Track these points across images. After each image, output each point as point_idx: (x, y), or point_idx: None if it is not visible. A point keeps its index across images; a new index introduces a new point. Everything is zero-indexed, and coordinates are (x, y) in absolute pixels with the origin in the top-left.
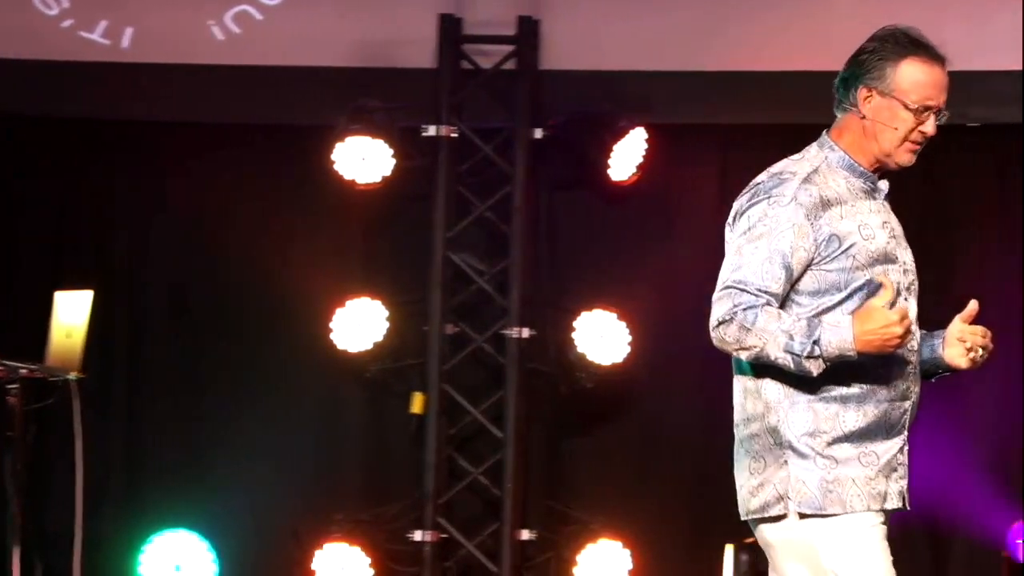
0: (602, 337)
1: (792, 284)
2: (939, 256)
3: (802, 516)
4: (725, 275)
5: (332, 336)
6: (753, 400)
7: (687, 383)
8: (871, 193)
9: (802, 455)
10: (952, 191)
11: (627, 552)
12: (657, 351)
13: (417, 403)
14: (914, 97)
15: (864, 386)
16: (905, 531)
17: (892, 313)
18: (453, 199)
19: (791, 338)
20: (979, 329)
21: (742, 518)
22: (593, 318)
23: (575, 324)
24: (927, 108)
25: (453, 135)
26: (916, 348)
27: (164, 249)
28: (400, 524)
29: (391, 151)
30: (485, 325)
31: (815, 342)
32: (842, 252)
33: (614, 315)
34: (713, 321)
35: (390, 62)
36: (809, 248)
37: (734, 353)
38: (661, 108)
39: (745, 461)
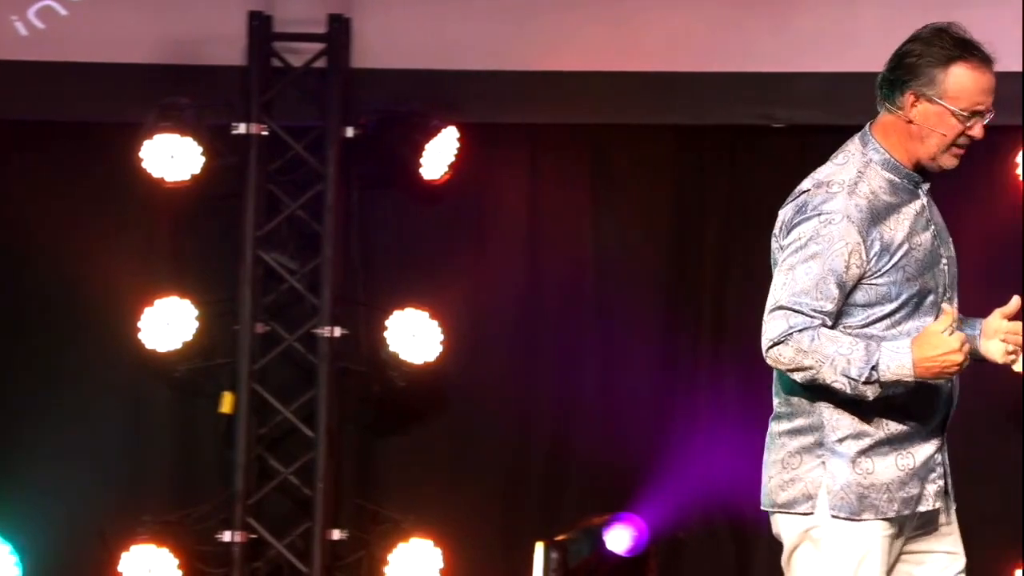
0: (414, 336)
1: (846, 299)
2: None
3: (834, 518)
4: (777, 294)
5: (140, 336)
6: (799, 396)
7: (498, 382)
8: (914, 192)
9: (841, 457)
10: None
11: (438, 551)
12: (469, 350)
13: (227, 403)
14: (964, 104)
15: (909, 390)
16: (709, 527)
17: (953, 340)
18: (264, 197)
19: (848, 363)
20: (1018, 326)
21: (763, 508)
22: (405, 317)
23: (387, 323)
24: (976, 113)
25: (263, 133)
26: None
27: None
28: (209, 525)
29: (200, 149)
30: (296, 324)
31: (873, 367)
32: (892, 265)
33: (426, 314)
34: (766, 342)
35: (199, 59)
36: (862, 265)
37: (788, 374)
38: (472, 107)
39: (780, 454)
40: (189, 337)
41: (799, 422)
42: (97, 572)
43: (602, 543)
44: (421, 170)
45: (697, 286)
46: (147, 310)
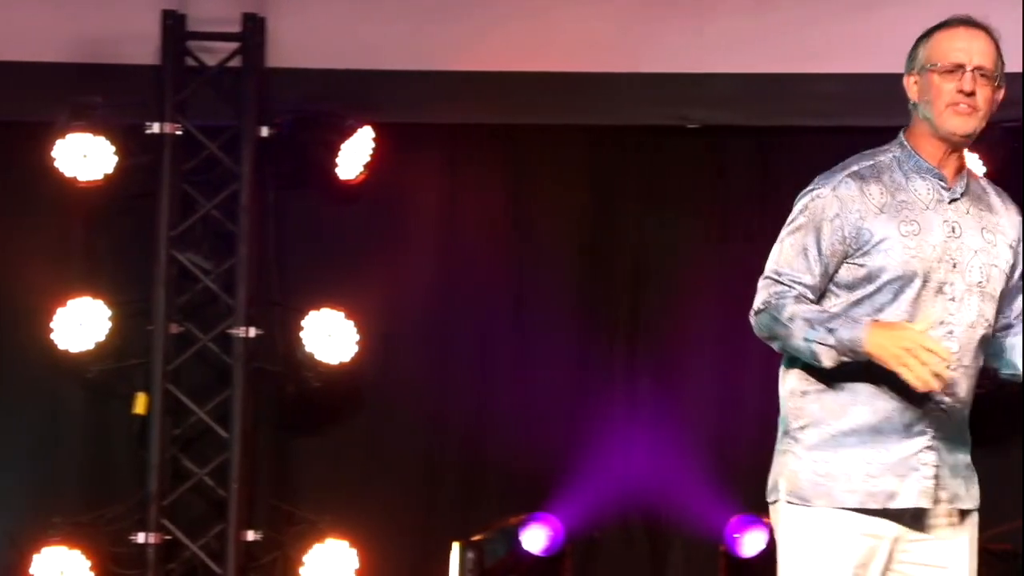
0: (330, 336)
1: (831, 277)
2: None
3: (789, 503)
4: (767, 265)
5: (53, 336)
6: (781, 388)
7: (414, 382)
8: (938, 193)
9: (800, 444)
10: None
11: (354, 551)
12: (385, 350)
13: (140, 403)
14: (942, 61)
15: (877, 382)
16: (625, 527)
17: (916, 334)
18: (178, 197)
19: (811, 327)
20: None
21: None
22: (321, 317)
23: (303, 323)
24: (957, 67)
25: (177, 132)
26: (953, 351)
27: None
28: (123, 526)
29: (113, 148)
30: (211, 324)
31: (830, 331)
32: (874, 247)
33: (342, 314)
34: (751, 312)
35: (112, 58)
36: (841, 241)
37: (768, 343)
38: (388, 107)
39: (776, 445)
40: (102, 338)
41: (782, 413)
42: (8, 575)
43: (518, 543)
44: (337, 170)
45: (613, 286)
46: (60, 310)
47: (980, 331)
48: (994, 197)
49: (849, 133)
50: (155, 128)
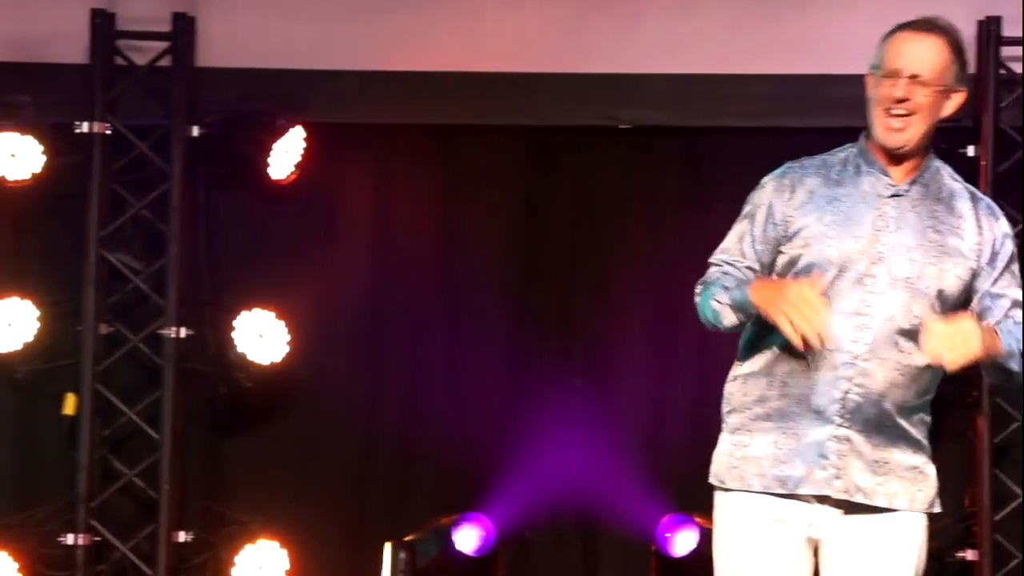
0: (261, 336)
1: (771, 264)
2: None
3: (713, 486)
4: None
5: None
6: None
7: (346, 382)
8: (881, 188)
9: (725, 428)
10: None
11: (285, 552)
12: (316, 350)
13: (70, 404)
14: (882, 64)
15: (791, 365)
16: (557, 527)
17: (804, 292)
18: (108, 197)
19: (715, 288)
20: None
21: None
22: (252, 317)
23: (234, 323)
24: (893, 72)
25: (107, 132)
26: (866, 341)
27: None
28: (51, 527)
29: (42, 148)
30: (141, 325)
31: (726, 289)
32: (796, 235)
33: (273, 314)
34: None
35: (40, 57)
36: (773, 228)
37: (708, 326)
38: (319, 107)
39: None
40: (31, 338)
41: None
42: None
43: (450, 543)
44: (268, 170)
45: (545, 286)
46: None
47: (902, 325)
48: (965, 202)
49: (777, 134)
50: (84, 127)
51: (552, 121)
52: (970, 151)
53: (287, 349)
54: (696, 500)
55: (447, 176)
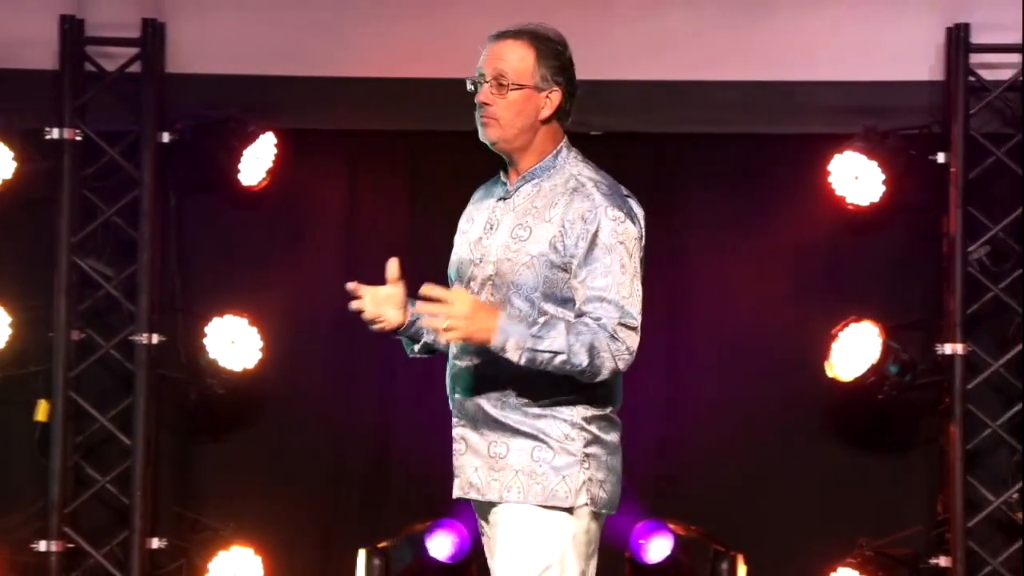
0: (233, 343)
1: None
2: None
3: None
4: None
5: None
6: None
7: (318, 388)
8: (501, 190)
9: None
10: None
11: (259, 559)
12: (288, 356)
13: (42, 411)
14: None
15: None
16: None
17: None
18: (78, 203)
19: None
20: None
21: None
22: (224, 324)
23: (206, 330)
24: (478, 77)
25: (77, 138)
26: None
27: None
28: (24, 534)
29: (12, 154)
30: (113, 331)
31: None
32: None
33: (245, 320)
34: None
35: (10, 63)
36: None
37: None
38: (290, 113)
39: None
40: (2, 344)
41: None
42: None
43: (424, 550)
44: (239, 176)
45: None
46: None
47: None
48: (559, 192)
49: (745, 140)
50: (54, 133)
51: None
52: (940, 158)
53: (259, 355)
54: (670, 506)
55: (418, 182)
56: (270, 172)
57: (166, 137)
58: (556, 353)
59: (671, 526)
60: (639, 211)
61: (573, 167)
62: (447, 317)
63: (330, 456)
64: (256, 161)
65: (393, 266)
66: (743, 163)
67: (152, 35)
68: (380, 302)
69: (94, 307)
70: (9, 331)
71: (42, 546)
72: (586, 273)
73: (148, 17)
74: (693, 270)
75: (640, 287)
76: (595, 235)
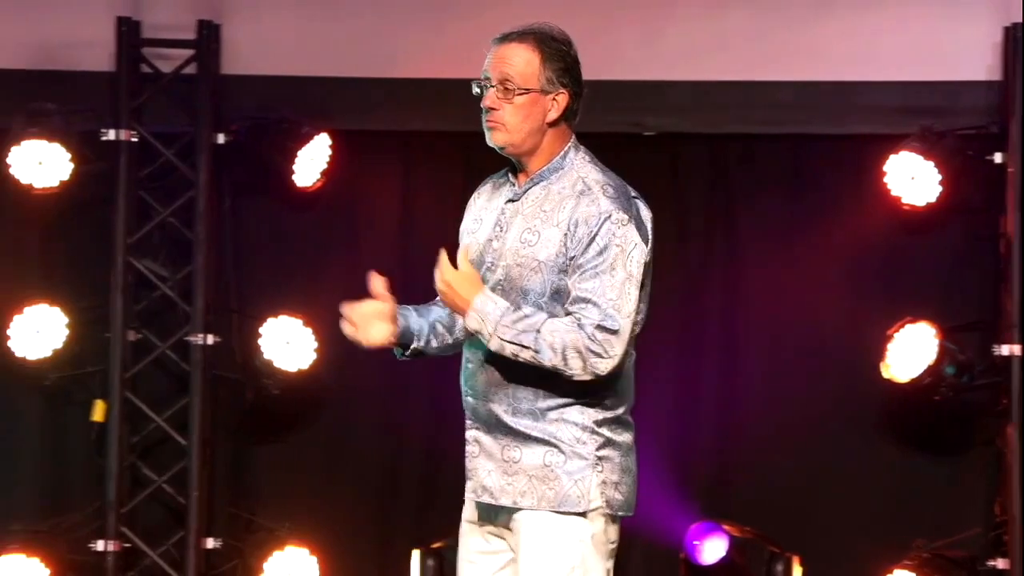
0: (288, 343)
1: None
2: None
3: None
4: None
5: (10, 344)
6: None
7: (372, 389)
8: (510, 191)
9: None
10: None
11: (314, 559)
12: (343, 357)
13: (98, 411)
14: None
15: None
16: None
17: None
18: (134, 204)
19: None
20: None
21: None
22: (279, 324)
23: (261, 330)
24: (484, 80)
25: (133, 139)
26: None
27: None
28: (81, 534)
29: (69, 155)
30: (169, 331)
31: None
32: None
33: (300, 321)
34: None
35: (67, 65)
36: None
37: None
38: (345, 114)
39: None
40: (60, 345)
41: None
42: None
43: None
44: (293, 177)
45: None
46: (16, 318)
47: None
48: (566, 195)
49: (800, 140)
50: (111, 135)
51: (576, 128)
52: (997, 158)
53: (314, 356)
54: (726, 507)
55: (472, 183)
56: (324, 173)
57: (221, 138)
58: (524, 347)
59: (726, 527)
60: (646, 213)
61: (581, 169)
62: (438, 280)
63: (384, 457)
64: (311, 162)
65: (377, 281)
66: (799, 163)
67: (207, 36)
68: (367, 317)
69: (150, 308)
70: (66, 332)
71: (99, 545)
72: (578, 275)
73: (203, 19)
74: (748, 270)
75: (635, 291)
76: (593, 238)
